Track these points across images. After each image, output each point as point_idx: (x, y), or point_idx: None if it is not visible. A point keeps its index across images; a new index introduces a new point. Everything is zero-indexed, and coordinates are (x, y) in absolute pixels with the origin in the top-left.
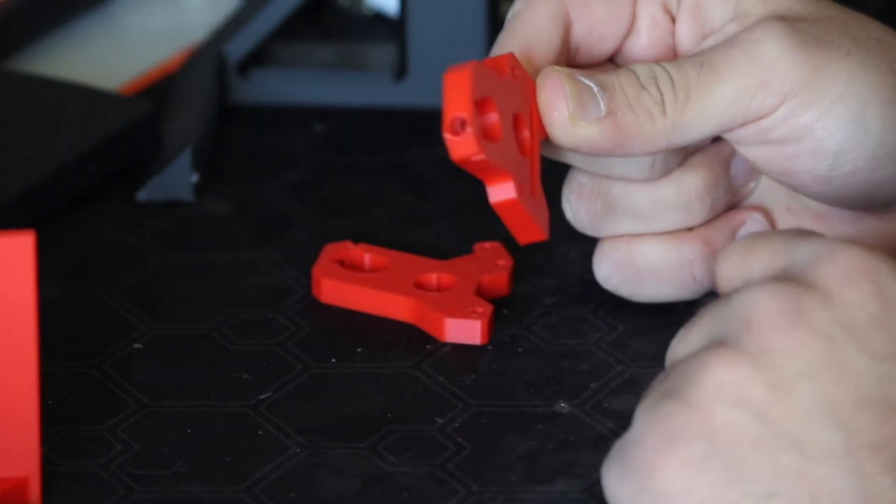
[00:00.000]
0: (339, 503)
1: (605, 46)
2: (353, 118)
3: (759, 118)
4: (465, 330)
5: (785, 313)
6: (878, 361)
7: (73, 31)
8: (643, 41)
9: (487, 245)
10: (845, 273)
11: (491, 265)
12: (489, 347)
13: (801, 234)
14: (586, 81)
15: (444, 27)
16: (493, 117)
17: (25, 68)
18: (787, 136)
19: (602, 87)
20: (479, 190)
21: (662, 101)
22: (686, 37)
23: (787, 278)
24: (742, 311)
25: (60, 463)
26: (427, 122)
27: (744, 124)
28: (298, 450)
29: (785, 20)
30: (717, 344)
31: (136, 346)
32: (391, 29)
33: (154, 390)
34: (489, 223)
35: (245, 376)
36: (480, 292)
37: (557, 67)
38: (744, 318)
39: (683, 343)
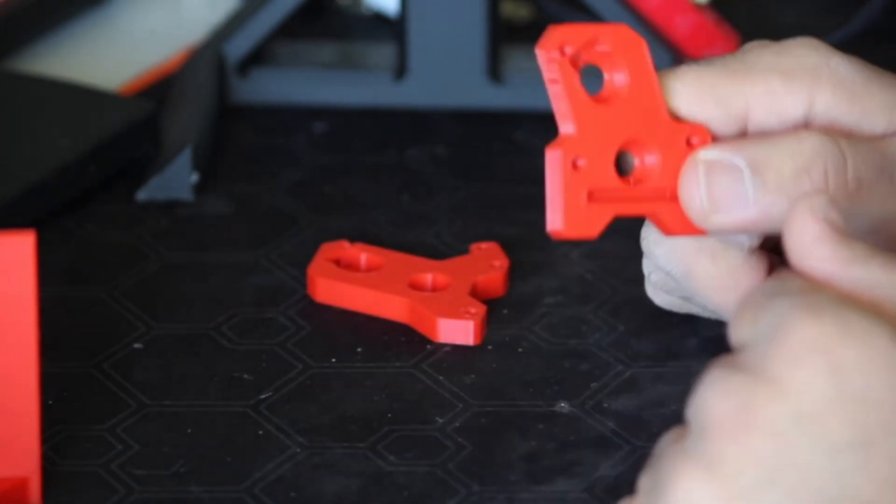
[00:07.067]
0: (339, 503)
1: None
2: (352, 118)
3: None
4: (458, 330)
5: (734, 416)
6: (835, 455)
7: (73, 31)
8: None
9: (484, 245)
10: (796, 351)
11: (486, 266)
12: (489, 347)
13: (776, 290)
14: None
15: (444, 27)
16: (618, 80)
17: (25, 68)
18: None
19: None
20: (479, 190)
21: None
22: None
23: (741, 366)
24: (697, 413)
25: (60, 463)
26: (427, 122)
27: None
28: (298, 450)
29: None
30: (681, 451)
31: (136, 346)
32: (391, 29)
33: (154, 390)
34: (488, 223)
35: (245, 376)
36: (475, 293)
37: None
38: (699, 422)
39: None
